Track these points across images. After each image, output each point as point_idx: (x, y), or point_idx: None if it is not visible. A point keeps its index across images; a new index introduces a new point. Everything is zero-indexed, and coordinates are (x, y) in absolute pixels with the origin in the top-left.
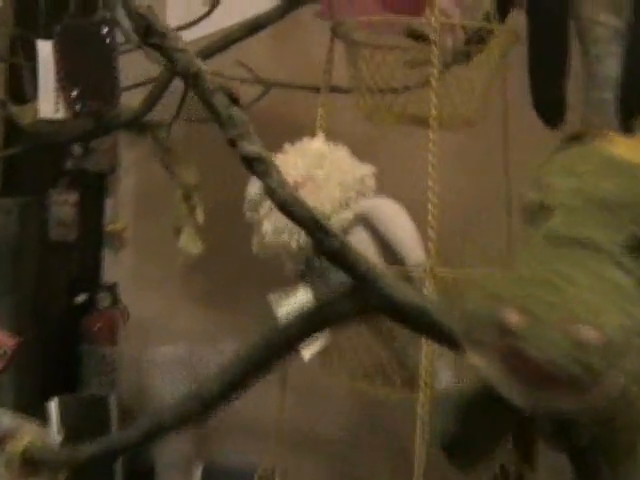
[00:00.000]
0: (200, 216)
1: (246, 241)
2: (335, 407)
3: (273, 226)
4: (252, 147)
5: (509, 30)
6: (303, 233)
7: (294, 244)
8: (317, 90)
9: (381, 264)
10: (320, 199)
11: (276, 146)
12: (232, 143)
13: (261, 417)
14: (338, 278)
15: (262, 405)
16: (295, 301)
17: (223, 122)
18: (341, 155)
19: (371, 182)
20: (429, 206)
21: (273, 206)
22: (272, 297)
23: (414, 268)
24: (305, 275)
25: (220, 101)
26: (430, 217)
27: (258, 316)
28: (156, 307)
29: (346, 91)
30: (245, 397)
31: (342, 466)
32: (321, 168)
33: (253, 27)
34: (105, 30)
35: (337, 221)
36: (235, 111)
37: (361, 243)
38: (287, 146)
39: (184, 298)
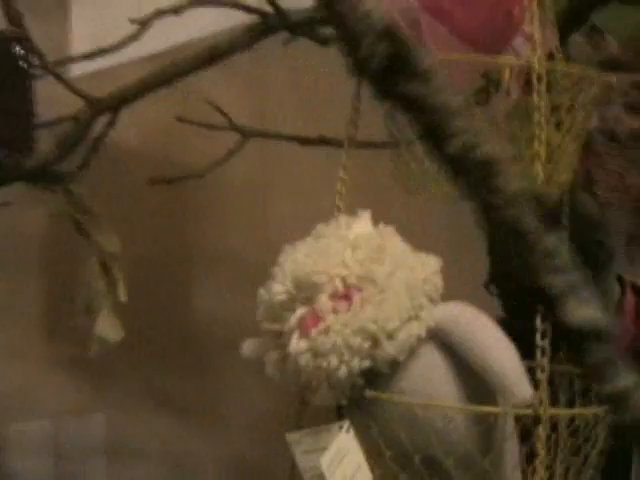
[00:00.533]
0: (122, 293)
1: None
2: None
3: (318, 345)
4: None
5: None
6: (361, 355)
7: (344, 370)
8: (317, 143)
9: (459, 398)
10: (384, 309)
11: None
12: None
13: None
14: (398, 413)
15: None
16: (330, 446)
17: None
18: (399, 243)
19: (440, 282)
20: None
21: None
22: (292, 437)
23: (520, 407)
24: (345, 411)
25: None
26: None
27: (131, 388)
28: (16, 379)
29: (378, 146)
30: None
31: None
32: (382, 264)
33: (209, 57)
34: (18, 49)
35: (406, 339)
36: None
37: (433, 369)
38: (321, 228)
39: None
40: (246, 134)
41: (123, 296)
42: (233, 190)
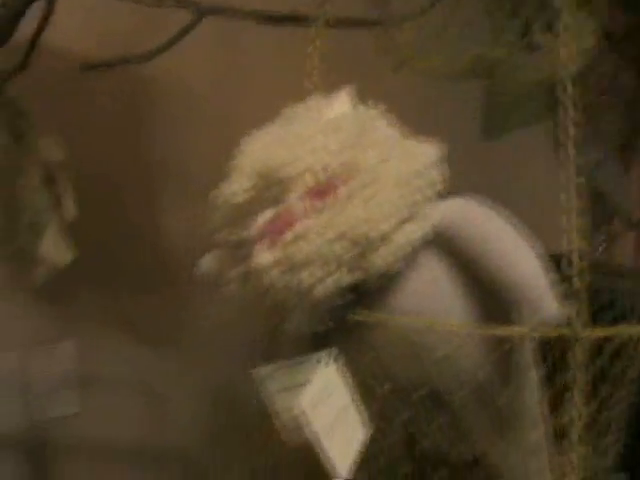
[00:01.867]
0: (70, 208)
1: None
2: None
3: (290, 257)
4: None
5: None
6: (346, 267)
7: (323, 287)
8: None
9: (470, 314)
10: (371, 206)
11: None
12: None
13: None
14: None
15: None
16: (310, 383)
17: None
18: (386, 128)
19: (439, 176)
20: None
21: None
22: (262, 373)
23: (552, 326)
24: (325, 340)
25: None
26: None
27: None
28: None
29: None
30: None
31: None
32: (368, 151)
33: None
34: None
35: (401, 246)
36: None
37: (435, 283)
38: (289, 111)
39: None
40: (201, 12)
41: (70, 212)
42: (195, 89)
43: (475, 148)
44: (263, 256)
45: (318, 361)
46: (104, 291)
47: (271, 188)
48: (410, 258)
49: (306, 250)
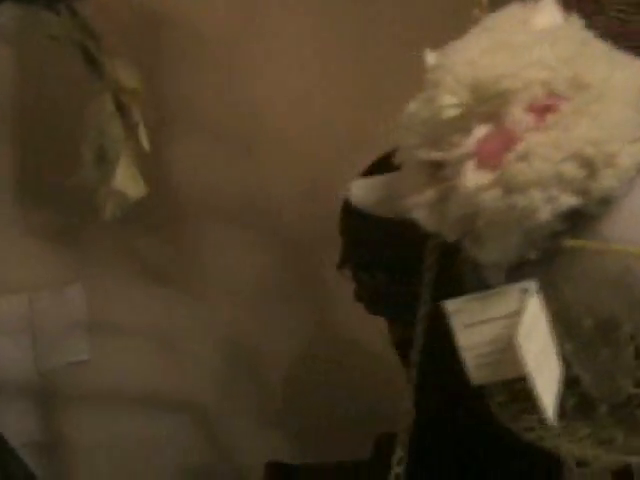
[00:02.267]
0: (145, 139)
1: None
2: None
3: (510, 178)
4: None
5: None
6: (572, 189)
7: (548, 210)
8: None
9: None
10: (599, 125)
11: None
12: None
13: None
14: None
15: None
16: (522, 315)
17: None
18: (598, 42)
19: None
20: None
21: None
22: (452, 305)
23: None
24: (514, 271)
25: None
26: None
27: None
28: None
29: None
30: None
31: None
32: (591, 64)
33: None
34: None
35: (629, 167)
36: None
37: None
38: (492, 19)
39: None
40: None
41: (146, 143)
42: (208, 37)
43: None
44: (476, 176)
45: (523, 291)
46: (114, 233)
47: (485, 103)
48: (630, 183)
49: (529, 171)
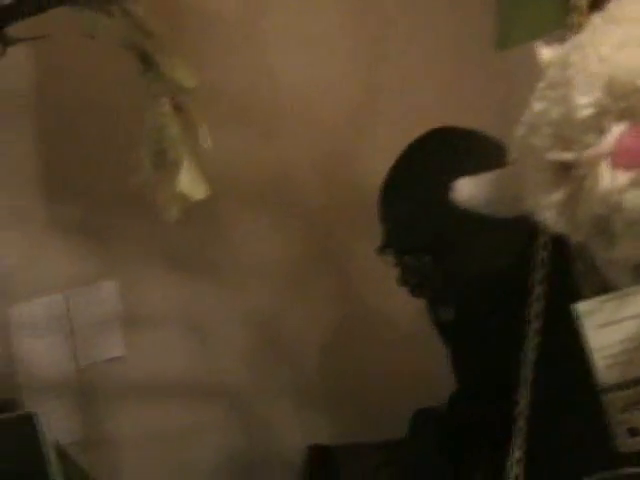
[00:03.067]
0: (205, 138)
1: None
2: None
3: None
4: None
5: None
6: None
7: None
8: None
9: None
10: None
11: None
12: None
13: None
14: None
15: None
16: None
17: None
18: None
19: None
20: None
21: None
22: (584, 307)
23: None
24: None
25: None
26: None
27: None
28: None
29: None
30: None
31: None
32: None
33: None
34: None
35: None
36: None
37: None
38: (614, 9)
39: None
40: None
41: (206, 141)
42: (226, 21)
43: None
44: (615, 176)
45: None
46: (143, 228)
47: (621, 100)
48: None
49: None
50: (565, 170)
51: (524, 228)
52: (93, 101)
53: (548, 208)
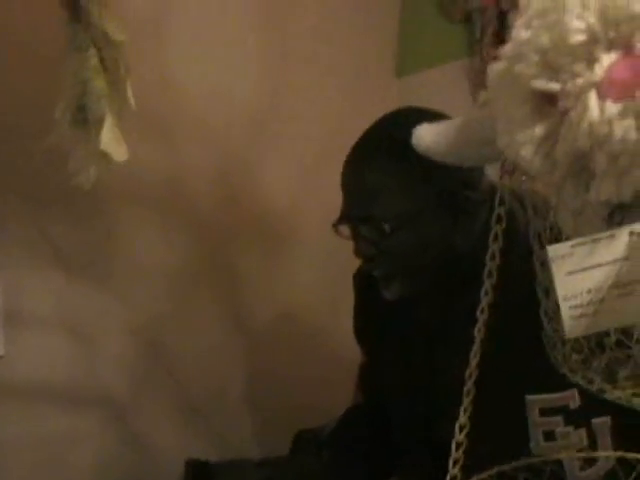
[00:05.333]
0: (130, 97)
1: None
2: None
3: None
4: None
5: None
6: None
7: None
8: None
9: None
10: None
11: None
12: None
13: None
14: None
15: None
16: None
17: None
18: None
19: None
20: None
21: None
22: (556, 251)
23: None
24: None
25: None
26: None
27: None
28: None
29: None
30: None
31: None
32: None
33: None
34: None
35: None
36: None
37: None
38: None
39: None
40: None
41: (132, 101)
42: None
43: None
44: (604, 106)
45: (635, 234)
46: (30, 221)
47: (614, 28)
48: None
49: None
50: (547, 103)
51: (482, 217)
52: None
53: (525, 144)
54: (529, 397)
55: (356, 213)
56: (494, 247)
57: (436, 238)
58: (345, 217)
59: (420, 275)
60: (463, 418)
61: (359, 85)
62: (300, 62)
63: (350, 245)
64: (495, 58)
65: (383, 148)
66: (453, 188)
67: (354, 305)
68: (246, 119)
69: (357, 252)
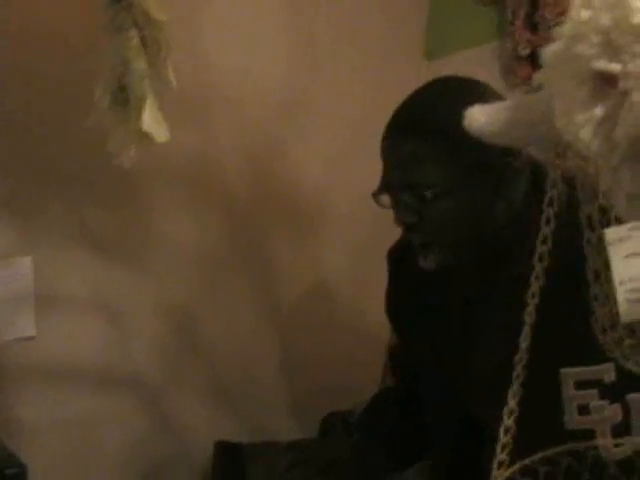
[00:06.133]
0: (172, 77)
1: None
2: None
3: None
4: None
5: None
6: None
7: None
8: None
9: None
10: None
11: None
12: None
13: None
14: None
15: None
16: None
17: None
18: None
19: None
20: None
21: None
22: (613, 234)
23: None
24: None
25: None
26: None
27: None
28: None
29: None
30: None
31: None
32: None
33: None
34: None
35: None
36: None
37: None
38: None
39: None
40: None
41: (173, 80)
42: None
43: None
44: None
45: None
46: (61, 203)
47: None
48: None
49: None
50: (608, 83)
51: (521, 188)
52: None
53: (584, 126)
54: (564, 370)
55: (398, 180)
56: (546, 230)
57: (477, 205)
58: (386, 185)
59: (459, 245)
60: (512, 402)
61: (389, 67)
62: (331, 44)
63: (379, 225)
64: (528, 42)
65: (425, 116)
66: (493, 154)
67: (387, 284)
68: (277, 105)
69: (398, 220)
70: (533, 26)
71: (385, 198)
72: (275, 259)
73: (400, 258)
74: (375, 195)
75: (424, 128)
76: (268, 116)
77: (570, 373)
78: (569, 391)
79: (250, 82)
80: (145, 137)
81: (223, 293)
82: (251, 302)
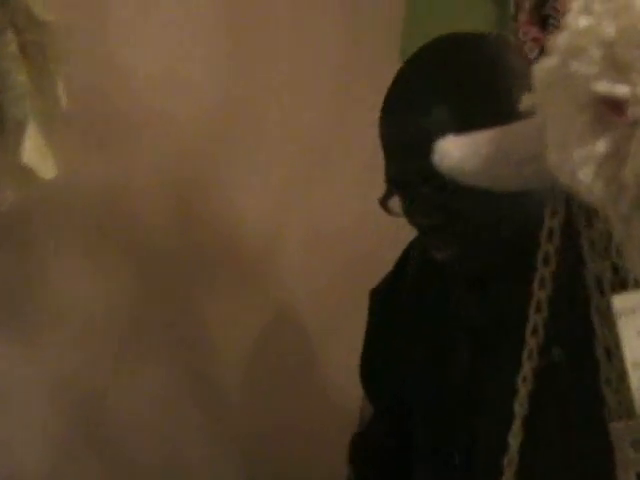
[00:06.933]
0: (63, 95)
1: None
2: None
3: None
4: None
5: None
6: None
7: None
8: None
9: None
10: None
11: None
12: None
13: None
14: None
15: None
16: None
17: None
18: None
19: None
20: None
21: None
22: (619, 304)
23: None
24: None
25: None
26: None
27: None
28: None
29: None
30: None
31: None
32: None
33: None
34: None
35: None
36: None
37: None
38: None
39: None
40: None
41: (63, 98)
42: None
43: None
44: None
45: None
46: None
47: None
48: None
49: None
50: (612, 110)
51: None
52: None
53: (584, 164)
54: (616, 425)
55: (412, 171)
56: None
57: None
58: (394, 182)
59: (485, 244)
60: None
61: (358, 72)
62: (284, 44)
63: (349, 272)
64: (534, 41)
65: (437, 82)
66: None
67: (369, 327)
68: (214, 117)
69: (415, 220)
70: (542, 21)
71: (395, 204)
72: (210, 323)
73: (388, 299)
74: (383, 202)
75: (438, 97)
76: (201, 134)
77: (625, 429)
78: (627, 453)
79: (179, 93)
80: (25, 173)
81: (138, 368)
82: (173, 367)
